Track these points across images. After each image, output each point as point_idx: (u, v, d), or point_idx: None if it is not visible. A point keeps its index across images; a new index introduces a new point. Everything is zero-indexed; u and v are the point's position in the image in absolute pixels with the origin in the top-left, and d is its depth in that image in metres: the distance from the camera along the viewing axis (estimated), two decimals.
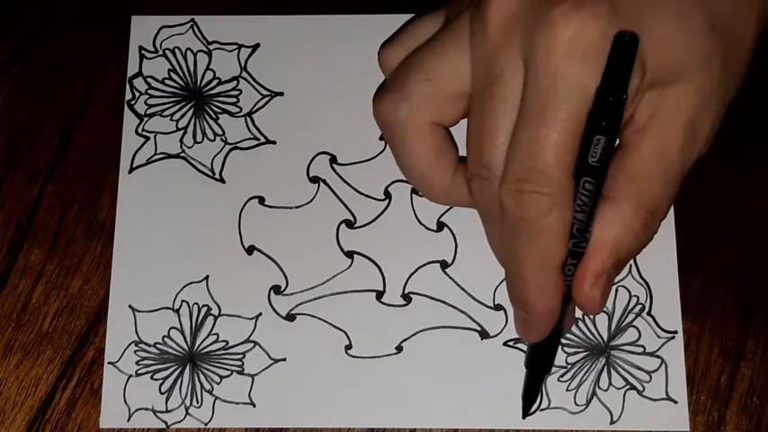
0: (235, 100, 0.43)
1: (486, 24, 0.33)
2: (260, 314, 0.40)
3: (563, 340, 0.40)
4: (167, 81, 0.43)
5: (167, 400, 0.40)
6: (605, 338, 0.40)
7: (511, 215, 0.32)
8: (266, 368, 0.40)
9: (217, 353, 0.40)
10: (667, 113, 0.33)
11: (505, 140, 0.33)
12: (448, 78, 0.34)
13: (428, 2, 0.43)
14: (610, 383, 0.39)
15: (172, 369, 0.40)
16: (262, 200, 0.42)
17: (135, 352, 0.40)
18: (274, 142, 0.42)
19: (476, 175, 0.34)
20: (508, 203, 0.32)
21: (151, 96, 0.43)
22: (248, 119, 0.43)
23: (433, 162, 0.36)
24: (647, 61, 0.31)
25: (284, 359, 0.40)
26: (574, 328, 0.40)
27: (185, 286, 0.41)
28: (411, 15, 0.43)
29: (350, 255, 0.41)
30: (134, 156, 0.42)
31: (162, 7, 0.45)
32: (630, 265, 0.40)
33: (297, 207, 0.42)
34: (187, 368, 0.40)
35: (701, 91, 0.33)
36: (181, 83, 0.43)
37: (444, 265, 0.41)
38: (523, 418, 0.39)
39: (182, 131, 0.43)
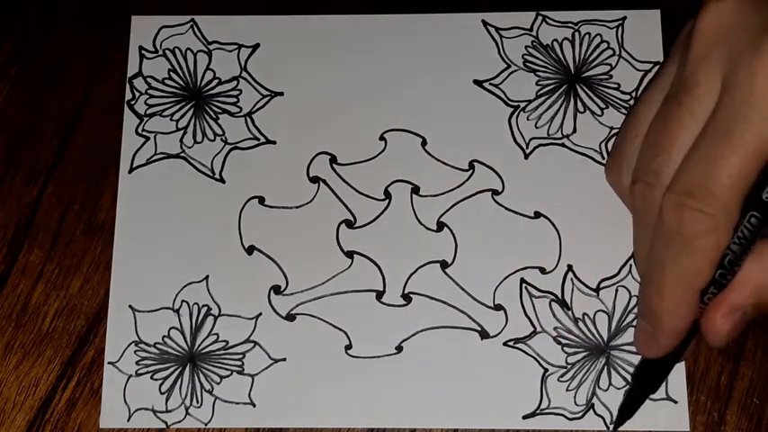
0: (235, 100, 0.43)
1: (695, 34, 0.32)
2: (260, 314, 0.40)
3: (562, 341, 0.40)
4: (167, 81, 0.43)
5: (167, 400, 0.40)
6: (605, 338, 0.40)
7: (667, 227, 0.32)
8: (266, 368, 0.40)
9: (217, 353, 0.40)
10: None
11: (680, 153, 0.32)
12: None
13: (428, 2, 0.44)
14: (610, 383, 0.39)
15: (172, 369, 0.40)
16: (262, 200, 0.42)
17: (135, 352, 0.40)
18: (274, 142, 0.42)
19: (641, 178, 0.34)
20: (667, 214, 0.32)
21: (151, 96, 0.43)
22: (248, 119, 0.43)
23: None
24: None
25: (284, 359, 0.40)
26: (574, 328, 0.40)
27: (185, 286, 0.41)
28: (411, 15, 0.44)
29: (350, 255, 0.41)
30: (134, 156, 0.42)
31: (162, 7, 0.45)
32: (630, 266, 0.40)
33: (297, 207, 0.42)
34: (187, 368, 0.40)
35: None
36: (181, 83, 0.43)
37: (444, 265, 0.41)
38: (614, 430, 0.38)
39: (182, 131, 0.43)
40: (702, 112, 0.32)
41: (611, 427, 0.38)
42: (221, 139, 0.43)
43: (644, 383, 0.38)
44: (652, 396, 0.39)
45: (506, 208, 0.41)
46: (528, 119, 0.42)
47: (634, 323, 0.40)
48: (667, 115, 0.33)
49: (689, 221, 0.31)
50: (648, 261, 0.34)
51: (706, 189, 0.31)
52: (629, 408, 0.38)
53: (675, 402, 0.39)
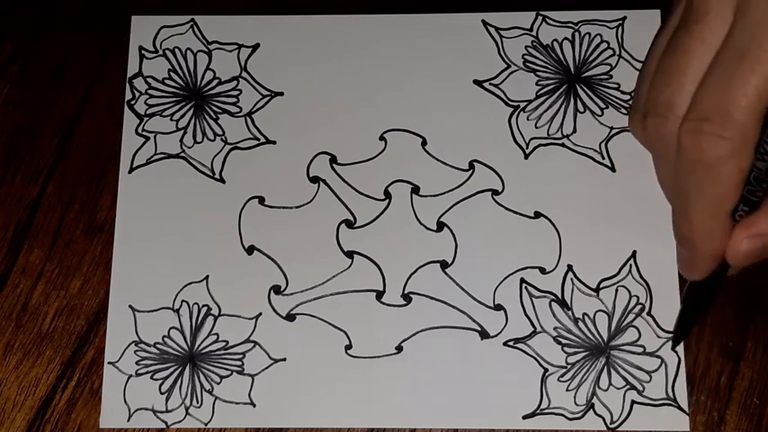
0: (235, 100, 0.43)
1: None
2: (260, 314, 0.40)
3: (562, 341, 0.40)
4: (167, 81, 0.43)
5: (167, 400, 0.40)
6: (605, 338, 0.40)
7: (687, 156, 0.32)
8: (266, 368, 0.40)
9: (217, 353, 0.40)
10: None
11: (692, 81, 0.32)
12: None
13: (428, 2, 0.44)
14: (610, 383, 0.39)
15: (172, 369, 0.40)
16: (262, 200, 0.42)
17: (135, 352, 0.40)
18: (274, 142, 0.42)
19: (652, 112, 0.34)
20: (686, 143, 0.32)
21: (151, 96, 0.43)
22: (248, 119, 0.43)
23: None
24: None
25: (284, 359, 0.40)
26: (574, 328, 0.40)
27: (185, 286, 0.41)
28: (411, 15, 0.44)
29: (350, 255, 0.41)
30: (134, 156, 0.42)
31: (162, 7, 0.45)
32: (630, 265, 0.40)
33: (297, 207, 0.42)
34: (187, 368, 0.40)
35: None
36: (181, 83, 0.43)
37: (444, 265, 0.41)
38: (672, 349, 0.39)
39: (182, 131, 0.43)
40: (715, 39, 0.32)
41: (671, 344, 0.39)
42: (221, 139, 0.43)
43: (693, 305, 0.37)
44: (652, 396, 0.39)
45: (506, 208, 0.41)
46: (528, 119, 0.42)
47: (634, 323, 0.40)
48: (677, 45, 0.33)
49: (708, 147, 0.31)
50: (674, 192, 0.34)
51: (723, 112, 0.30)
52: (680, 329, 0.38)
53: (675, 402, 0.39)
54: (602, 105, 0.42)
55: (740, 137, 0.31)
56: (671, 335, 0.39)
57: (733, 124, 0.31)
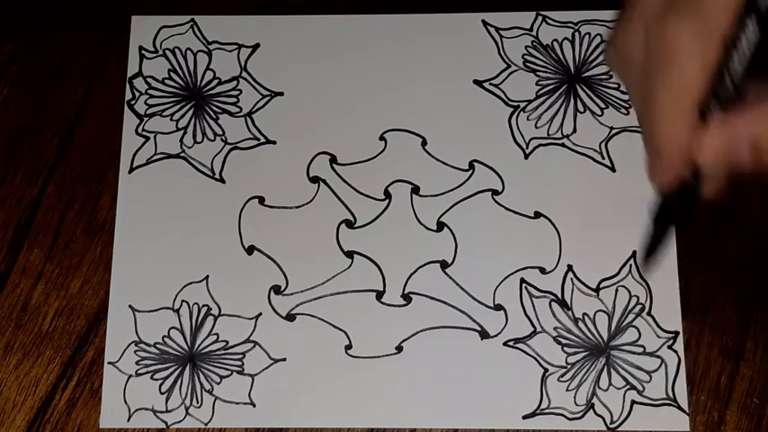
0: (235, 100, 0.43)
1: None
2: (260, 314, 0.40)
3: (562, 341, 0.40)
4: (167, 81, 0.43)
5: (167, 400, 0.40)
6: (605, 338, 0.40)
7: (652, 47, 0.31)
8: (266, 368, 0.40)
9: (217, 353, 0.40)
10: None
11: None
12: None
13: (428, 2, 0.44)
14: (610, 383, 0.39)
15: (172, 369, 0.40)
16: (262, 200, 0.42)
17: (135, 352, 0.40)
18: (274, 142, 0.42)
19: (620, 24, 0.32)
20: (652, 34, 0.31)
21: (151, 96, 0.43)
22: (248, 119, 0.43)
23: None
24: None
25: (284, 359, 0.40)
26: (574, 328, 0.40)
27: (185, 286, 0.41)
28: (411, 15, 0.43)
29: (350, 255, 0.41)
30: (134, 156, 0.42)
31: (162, 7, 0.45)
32: (630, 265, 0.40)
33: (297, 207, 0.42)
34: (187, 368, 0.40)
35: None
36: (181, 83, 0.43)
37: (444, 265, 0.41)
38: (641, 276, 0.38)
39: (182, 131, 0.43)
40: None
41: (641, 264, 0.37)
42: (221, 139, 0.43)
43: (663, 221, 0.35)
44: (652, 396, 0.39)
45: (506, 208, 0.41)
46: (528, 119, 0.42)
47: (634, 323, 0.40)
48: None
49: (672, 32, 0.30)
50: (640, 97, 0.33)
51: (694, 1, 0.30)
52: (650, 249, 0.35)
53: (675, 402, 0.39)
54: (602, 105, 0.42)
55: (707, 24, 0.30)
56: (646, 260, 0.36)
57: (700, 8, 0.30)
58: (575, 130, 0.42)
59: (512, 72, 0.43)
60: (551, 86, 0.43)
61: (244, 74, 0.43)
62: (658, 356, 0.40)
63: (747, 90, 0.31)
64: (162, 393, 0.40)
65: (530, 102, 0.43)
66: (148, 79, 0.43)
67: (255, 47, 0.44)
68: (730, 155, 0.31)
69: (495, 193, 0.42)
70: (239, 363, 0.40)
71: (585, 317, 0.40)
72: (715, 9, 0.30)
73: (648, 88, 0.32)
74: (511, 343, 0.40)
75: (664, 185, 0.33)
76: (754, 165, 0.32)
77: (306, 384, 0.40)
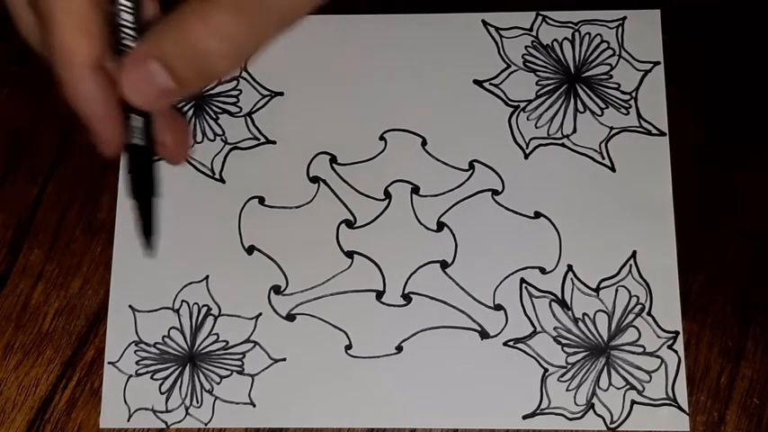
0: (235, 100, 0.43)
1: None
2: (260, 314, 0.40)
3: (562, 341, 0.40)
4: None
5: (167, 400, 0.40)
6: (605, 338, 0.40)
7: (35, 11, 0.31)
8: (266, 368, 0.40)
9: (217, 353, 0.40)
10: None
11: None
12: None
13: (428, 2, 0.44)
14: (610, 383, 0.39)
15: (172, 369, 0.40)
16: (262, 200, 0.42)
17: (135, 352, 0.40)
18: (274, 142, 0.42)
19: None
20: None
21: None
22: (248, 119, 0.43)
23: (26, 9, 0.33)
24: None
25: (284, 359, 0.40)
26: (574, 328, 0.40)
27: (185, 286, 0.41)
28: (411, 15, 0.44)
29: (350, 255, 0.41)
30: None
31: (162, 7, 0.44)
32: (630, 265, 0.40)
33: (297, 207, 0.42)
34: (187, 368, 0.40)
35: None
36: None
37: (444, 265, 0.41)
38: (148, 253, 0.35)
39: None
40: None
41: (143, 246, 0.35)
42: (221, 139, 0.43)
43: (141, 192, 0.34)
44: (652, 396, 0.39)
45: (506, 208, 0.41)
46: (528, 119, 0.42)
47: (634, 323, 0.40)
48: None
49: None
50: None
51: None
52: (144, 224, 0.34)
53: (675, 402, 0.39)
54: (602, 105, 0.42)
55: None
56: (145, 240, 0.35)
57: None
58: (575, 130, 0.42)
59: (512, 72, 0.43)
60: (551, 86, 0.43)
61: (244, 74, 0.43)
62: (658, 356, 0.40)
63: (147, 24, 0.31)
64: (162, 393, 0.40)
65: (530, 102, 0.43)
66: None
67: None
68: (150, 80, 0.31)
69: (495, 193, 0.42)
70: (239, 363, 0.40)
71: (585, 317, 0.40)
72: None
73: (46, 48, 0.31)
74: (511, 343, 0.40)
75: (110, 149, 0.33)
76: (179, 85, 0.31)
77: (306, 384, 0.40)
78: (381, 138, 0.42)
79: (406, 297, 0.41)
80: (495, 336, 0.40)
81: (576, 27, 0.43)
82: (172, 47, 0.30)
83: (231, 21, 0.30)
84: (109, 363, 0.40)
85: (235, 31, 0.31)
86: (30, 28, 0.33)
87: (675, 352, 0.40)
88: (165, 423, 0.39)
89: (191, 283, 0.41)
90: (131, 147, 0.33)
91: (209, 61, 0.31)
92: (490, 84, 0.43)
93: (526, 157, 0.42)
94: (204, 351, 0.40)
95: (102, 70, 0.31)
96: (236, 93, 0.43)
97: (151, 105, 0.32)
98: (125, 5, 0.31)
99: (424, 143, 0.42)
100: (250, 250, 0.41)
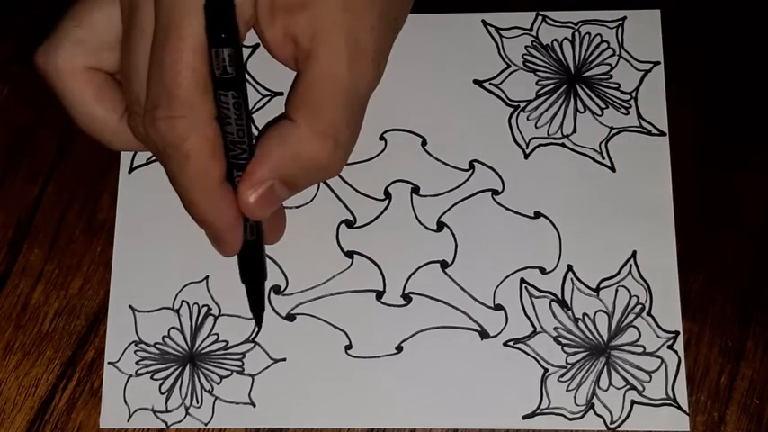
0: None
1: None
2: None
3: (562, 340, 0.40)
4: None
5: (167, 400, 0.40)
6: (605, 338, 0.40)
7: (158, 145, 0.33)
8: (266, 368, 0.40)
9: (217, 353, 0.40)
10: (325, 32, 0.33)
11: (146, 71, 0.33)
12: (100, 23, 0.35)
13: (428, 2, 0.43)
14: (610, 383, 0.39)
15: (172, 369, 0.40)
16: None
17: (135, 352, 0.40)
18: None
19: (131, 111, 0.34)
20: (151, 134, 0.33)
21: None
22: None
23: (96, 105, 0.35)
24: None
25: (284, 359, 0.40)
26: (574, 328, 0.40)
27: (185, 286, 0.41)
28: (411, 15, 0.43)
29: (350, 255, 0.41)
30: (134, 156, 0.42)
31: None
32: (630, 265, 0.40)
33: (297, 207, 0.42)
34: (187, 368, 0.40)
35: (351, 8, 0.34)
36: None
37: (444, 265, 0.41)
38: (258, 328, 0.40)
39: None
40: (150, 25, 0.32)
41: (256, 329, 0.40)
42: None
43: (253, 279, 0.39)
44: (652, 396, 0.39)
45: (506, 208, 0.41)
46: (528, 119, 0.42)
47: (634, 323, 0.40)
48: (127, 42, 0.34)
49: (166, 131, 0.32)
50: (172, 183, 0.35)
51: (168, 94, 0.32)
52: (256, 306, 0.39)
53: (675, 402, 0.39)
54: (602, 105, 0.42)
55: (190, 111, 0.32)
56: (255, 317, 0.40)
57: (179, 102, 0.32)
58: (575, 130, 0.42)
59: (512, 72, 0.43)
60: (551, 86, 0.43)
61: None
62: (658, 356, 0.40)
63: (252, 136, 0.34)
64: (162, 393, 0.40)
65: (530, 102, 0.43)
66: None
67: (255, 47, 0.44)
68: (271, 196, 0.34)
69: (495, 193, 0.42)
70: (239, 363, 0.40)
71: (585, 317, 0.40)
72: (186, 93, 0.32)
73: (175, 179, 0.34)
74: (511, 343, 0.40)
75: (231, 252, 0.37)
76: (293, 191, 0.35)
77: (306, 384, 0.40)
78: (381, 138, 0.42)
79: (406, 297, 0.41)
80: (495, 336, 0.40)
81: (576, 27, 0.43)
82: (290, 164, 0.34)
83: (344, 132, 0.34)
84: (109, 363, 0.40)
85: (346, 140, 0.35)
86: (101, 122, 0.36)
87: (675, 352, 0.40)
88: (165, 423, 0.39)
89: (191, 283, 0.41)
90: (245, 243, 0.37)
91: (328, 170, 0.35)
92: (490, 84, 0.43)
93: (526, 157, 0.42)
94: (204, 351, 0.40)
95: (226, 185, 0.34)
96: None
97: (267, 214, 0.36)
98: (238, 123, 0.34)
99: (424, 143, 0.42)
100: None
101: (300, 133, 0.34)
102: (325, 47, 0.33)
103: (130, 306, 0.41)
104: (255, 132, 0.43)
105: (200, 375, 0.40)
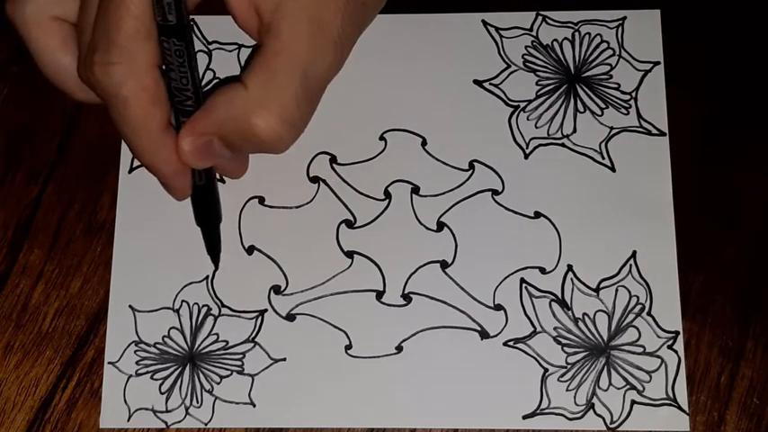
0: None
1: None
2: (260, 314, 0.40)
3: (562, 341, 0.40)
4: None
5: (167, 400, 0.40)
6: (605, 338, 0.40)
7: (97, 90, 0.33)
8: (266, 368, 0.40)
9: (217, 353, 0.40)
10: (288, 7, 0.33)
11: (90, 20, 0.33)
12: None
13: (428, 2, 0.44)
14: (610, 383, 0.39)
15: (172, 369, 0.40)
16: (262, 200, 0.42)
17: (135, 352, 0.40)
18: None
19: (79, 58, 0.35)
20: (90, 79, 0.33)
21: None
22: None
23: (60, 54, 0.36)
24: None
25: (284, 359, 0.40)
26: (574, 328, 0.40)
27: (185, 286, 0.41)
28: (411, 15, 0.43)
29: (350, 255, 0.41)
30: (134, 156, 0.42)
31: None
32: (630, 265, 0.40)
33: (297, 207, 0.42)
34: (187, 368, 0.40)
35: None
36: None
37: (444, 265, 0.41)
38: (216, 268, 0.41)
39: None
40: None
41: (213, 265, 0.41)
42: None
43: (207, 220, 0.40)
44: (652, 396, 0.39)
45: (506, 208, 0.41)
46: (528, 119, 0.42)
47: (634, 323, 0.40)
48: None
49: (102, 76, 0.32)
50: (118, 129, 0.35)
51: (107, 40, 0.32)
52: (211, 246, 0.40)
53: (675, 402, 0.39)
54: (602, 105, 0.42)
55: (128, 58, 0.32)
56: (212, 258, 0.40)
57: (116, 48, 0.32)
58: (575, 130, 0.42)
59: (512, 72, 0.43)
60: (551, 86, 0.43)
61: None
62: (658, 356, 0.40)
63: (203, 92, 0.35)
64: (162, 393, 0.40)
65: (530, 102, 0.43)
66: None
67: (255, 47, 0.44)
68: (208, 151, 0.35)
69: (495, 193, 0.42)
70: (239, 363, 0.40)
71: (585, 317, 0.40)
72: (125, 41, 0.32)
73: (117, 123, 0.34)
74: (511, 343, 0.40)
75: (181, 196, 0.38)
76: (235, 153, 0.36)
77: (306, 384, 0.40)
78: (381, 138, 0.42)
79: (406, 297, 0.41)
80: (495, 336, 0.40)
81: (576, 27, 0.43)
82: (231, 127, 0.34)
83: (292, 110, 0.34)
84: (109, 363, 0.40)
85: (293, 118, 0.34)
86: (64, 72, 0.36)
87: (675, 352, 0.40)
88: (165, 423, 0.39)
89: (191, 283, 0.41)
90: (196, 187, 0.38)
91: (268, 143, 0.35)
92: (490, 84, 0.43)
93: (526, 157, 0.42)
94: (204, 351, 0.40)
95: (170, 131, 0.35)
96: None
97: (207, 162, 0.36)
98: (181, 70, 0.34)
99: (424, 143, 0.42)
100: (250, 250, 0.41)
101: (247, 99, 0.34)
102: (287, 21, 0.33)
103: (130, 306, 0.41)
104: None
105: (200, 375, 0.40)
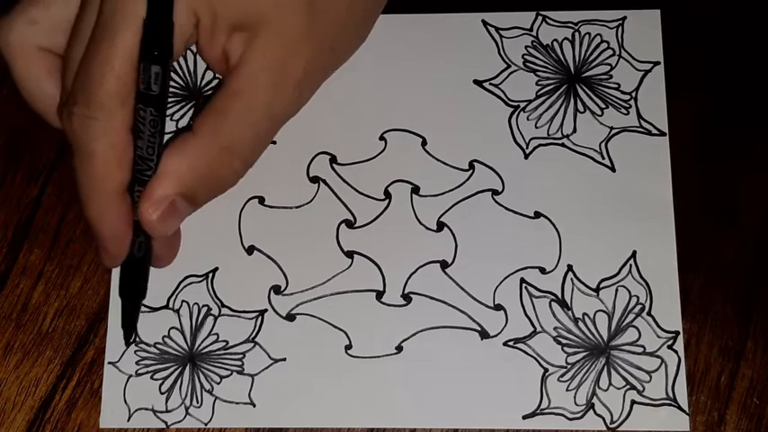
0: None
1: None
2: (260, 314, 0.40)
3: (562, 341, 0.40)
4: None
5: (167, 400, 0.40)
6: (605, 338, 0.40)
7: (69, 137, 0.34)
8: (266, 368, 0.40)
9: (217, 353, 0.40)
10: (253, 54, 0.34)
11: (74, 67, 0.34)
12: (55, 6, 0.36)
13: (428, 2, 0.44)
14: (610, 383, 0.39)
15: (172, 369, 0.40)
16: (262, 200, 0.42)
17: (135, 352, 0.40)
18: (274, 142, 0.42)
19: (61, 98, 0.35)
20: (65, 125, 0.33)
21: None
22: None
23: (41, 84, 0.36)
24: (218, 6, 0.33)
25: (284, 359, 0.40)
26: (574, 328, 0.40)
27: (185, 286, 0.41)
28: (411, 15, 0.44)
29: (350, 255, 0.41)
30: None
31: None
32: (630, 265, 0.40)
33: (297, 207, 0.42)
34: (187, 368, 0.40)
35: (284, 35, 0.34)
36: (181, 83, 0.43)
37: (444, 265, 0.41)
38: (126, 346, 0.40)
39: None
40: (91, 26, 0.33)
41: (124, 341, 0.40)
42: None
43: (129, 294, 0.38)
44: (652, 396, 0.39)
45: (506, 208, 0.41)
46: (528, 119, 0.42)
47: (634, 323, 0.40)
48: (72, 34, 0.35)
49: (78, 127, 0.33)
50: (75, 178, 0.35)
51: (89, 93, 0.32)
52: (126, 322, 0.39)
53: (675, 402, 0.39)
54: (602, 105, 0.42)
55: (105, 116, 0.33)
56: (125, 332, 0.39)
57: (97, 105, 0.32)
58: (575, 130, 0.42)
59: (512, 72, 0.43)
60: (551, 86, 0.43)
61: None
62: (658, 356, 0.40)
63: (162, 157, 0.35)
64: (162, 393, 0.40)
65: (530, 102, 0.43)
66: None
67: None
68: (174, 212, 0.35)
69: (495, 193, 0.42)
70: (239, 363, 0.40)
71: (585, 317, 0.40)
72: (106, 99, 0.32)
73: (77, 175, 0.34)
74: (511, 343, 0.40)
75: (111, 264, 0.37)
76: (195, 206, 0.36)
77: (306, 384, 0.40)
78: (381, 138, 0.42)
79: (406, 297, 0.41)
80: (495, 336, 0.40)
81: (576, 27, 0.43)
82: (188, 178, 0.34)
83: (243, 148, 0.35)
84: (109, 363, 0.40)
85: (244, 155, 0.35)
86: (45, 101, 0.37)
87: (675, 352, 0.40)
88: (165, 423, 0.39)
89: (191, 283, 0.41)
90: (131, 258, 0.37)
91: (227, 183, 0.36)
92: (490, 84, 0.43)
93: (526, 157, 0.42)
94: (204, 351, 0.40)
95: (125, 197, 0.35)
96: None
97: (167, 229, 0.36)
98: (150, 140, 0.34)
99: (424, 143, 0.42)
100: (250, 250, 0.41)
101: (198, 144, 0.34)
102: (249, 64, 0.34)
103: None
104: None
105: (200, 375, 0.40)
